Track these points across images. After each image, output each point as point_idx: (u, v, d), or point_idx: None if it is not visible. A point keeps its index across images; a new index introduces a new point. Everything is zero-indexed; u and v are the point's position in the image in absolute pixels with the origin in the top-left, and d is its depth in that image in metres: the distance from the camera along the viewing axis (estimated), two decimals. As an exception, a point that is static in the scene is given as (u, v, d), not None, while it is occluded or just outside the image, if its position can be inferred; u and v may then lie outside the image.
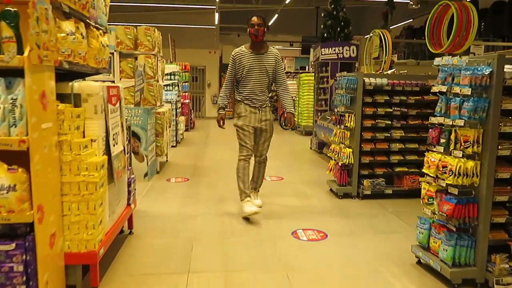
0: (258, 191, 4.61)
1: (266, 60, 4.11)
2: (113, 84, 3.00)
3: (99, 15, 3.12)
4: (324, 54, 8.11)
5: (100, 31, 3.12)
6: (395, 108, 4.82)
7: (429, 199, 2.87)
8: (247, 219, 4.10)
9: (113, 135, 2.87)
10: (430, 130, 2.91)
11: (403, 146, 4.86)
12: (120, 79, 5.92)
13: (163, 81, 6.90)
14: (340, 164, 4.85)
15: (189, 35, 16.54)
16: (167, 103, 8.66)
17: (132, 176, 3.61)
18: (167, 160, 7.16)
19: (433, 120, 2.87)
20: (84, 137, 2.57)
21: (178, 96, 9.73)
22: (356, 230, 3.83)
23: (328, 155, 5.17)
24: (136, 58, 5.91)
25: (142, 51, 5.92)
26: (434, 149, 2.85)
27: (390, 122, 4.82)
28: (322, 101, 8.36)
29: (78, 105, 2.56)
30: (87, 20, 2.81)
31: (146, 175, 5.63)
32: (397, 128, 4.86)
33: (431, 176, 2.83)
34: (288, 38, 20.37)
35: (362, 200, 4.78)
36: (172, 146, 8.79)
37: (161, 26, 15.64)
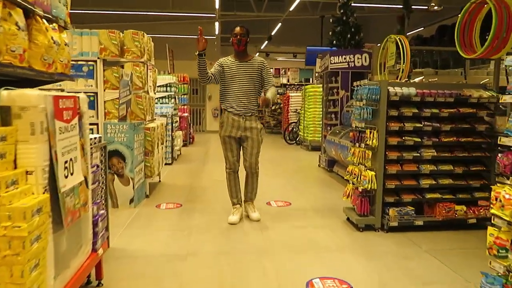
0: (253, 203, 4.48)
1: (250, 67, 4.15)
2: (65, 93, 2.24)
3: (54, 4, 2.38)
4: (334, 63, 7.38)
5: (54, 24, 2.37)
6: (426, 122, 4.04)
7: (500, 250, 2.08)
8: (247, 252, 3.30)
9: (66, 162, 2.10)
10: (500, 155, 2.13)
11: (435, 168, 4.07)
12: (104, 90, 5.18)
13: (155, 93, 6.16)
14: (360, 189, 4.06)
15: (189, 46, 15.89)
16: (162, 117, 7.93)
17: (102, 211, 2.82)
18: (159, 181, 6.39)
19: (504, 141, 2.09)
20: (15, 168, 1.80)
21: (174, 109, 9.00)
22: (387, 279, 3.02)
23: (345, 178, 4.38)
24: (122, 67, 5.18)
25: (129, 58, 5.19)
26: (508, 182, 2.06)
27: (419, 140, 4.04)
28: (331, 114, 7.60)
29: (6, 123, 1.80)
30: (30, 7, 2.06)
31: (132, 200, 4.85)
32: (428, 146, 4.07)
33: (503, 219, 2.04)
34: (292, 49, 19.76)
35: (388, 234, 3.97)
36: (167, 164, 8.03)
37: (159, 36, 15.06)
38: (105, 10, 12.13)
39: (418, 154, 4.05)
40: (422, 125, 4.03)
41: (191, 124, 14.14)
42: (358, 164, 4.18)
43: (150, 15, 14.23)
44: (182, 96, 12.35)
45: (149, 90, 5.53)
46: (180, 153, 9.80)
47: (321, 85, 11.31)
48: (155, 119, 6.22)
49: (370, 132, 3.98)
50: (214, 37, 14.46)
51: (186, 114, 11.78)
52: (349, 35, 7.54)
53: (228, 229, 4.13)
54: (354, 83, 4.62)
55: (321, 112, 10.70)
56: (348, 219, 4.38)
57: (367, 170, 4.02)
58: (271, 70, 4.27)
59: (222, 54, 16.20)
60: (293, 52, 19.66)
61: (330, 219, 4.49)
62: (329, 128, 7.65)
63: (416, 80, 4.47)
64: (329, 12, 15.07)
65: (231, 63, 4.20)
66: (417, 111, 4.02)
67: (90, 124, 5.21)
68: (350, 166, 4.34)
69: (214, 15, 11.30)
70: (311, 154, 10.08)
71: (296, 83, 20.67)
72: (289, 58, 20.50)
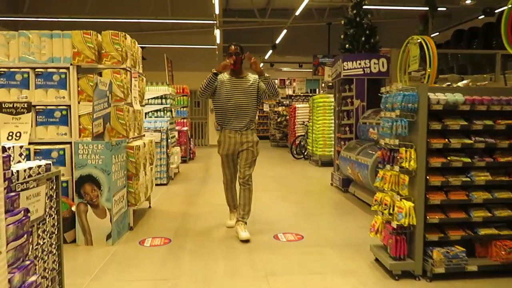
0: (245, 222, 4.22)
1: (245, 83, 4.19)
2: None
3: None
4: (347, 69, 6.53)
5: None
6: (477, 138, 3.16)
7: None
8: None
9: None
10: None
11: (490, 196, 3.17)
12: (79, 103, 4.35)
13: (143, 105, 5.33)
14: (394, 225, 3.16)
15: (189, 56, 15.19)
16: (156, 132, 7.11)
17: (32, 278, 1.95)
18: (149, 206, 5.52)
19: None
20: None
21: (171, 123, 8.17)
22: None
23: (373, 208, 3.49)
24: (100, 74, 4.36)
25: (108, 64, 4.36)
26: None
27: (469, 160, 3.15)
28: (345, 127, 6.72)
29: None
30: None
31: (109, 236, 3.97)
32: (480, 168, 3.18)
33: None
34: (297, 59, 19.01)
35: (432, 283, 3.06)
36: (162, 185, 7.18)
37: (158, 47, 14.37)
38: (102, 18, 11.44)
39: (468, 179, 3.15)
40: (472, 142, 3.14)
41: (192, 139, 13.32)
42: (390, 192, 3.29)
43: (149, 23, 13.53)
44: (182, 109, 11.58)
45: (134, 102, 4.69)
46: (178, 171, 8.95)
47: (331, 95, 10.48)
48: (143, 135, 5.38)
49: (406, 151, 3.10)
50: (215, 47, 13.70)
51: (185, 128, 10.96)
52: (363, 38, 6.71)
53: (224, 277, 3.24)
54: (382, 89, 3.74)
55: (332, 125, 9.85)
56: (377, 260, 3.47)
57: (403, 200, 3.12)
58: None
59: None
60: (298, 62, 18.92)
61: (353, 260, 3.58)
62: (342, 142, 6.77)
63: (460, 84, 3.60)
64: (337, 19, 14.33)
65: (227, 80, 4.22)
66: (465, 123, 3.15)
67: (62, 143, 4.41)
68: (379, 193, 3.45)
69: (214, 22, 10.52)
70: (321, 171, 9.18)
71: (302, 94, 19.88)
72: (295, 68, 19.77)
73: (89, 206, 3.92)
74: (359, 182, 5.72)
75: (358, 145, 6.19)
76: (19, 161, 2.46)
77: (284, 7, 14.10)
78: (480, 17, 11.33)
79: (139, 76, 5.04)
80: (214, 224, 4.71)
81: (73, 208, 3.97)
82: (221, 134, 4.25)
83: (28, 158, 4.14)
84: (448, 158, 3.14)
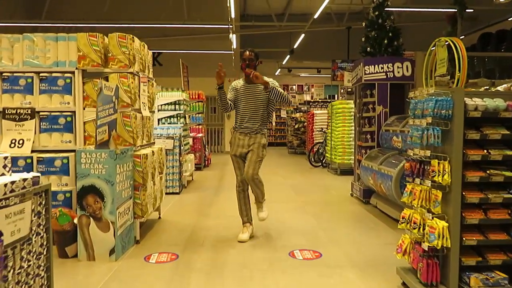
0: (261, 201, 4.44)
1: (258, 89, 4.25)
2: None
3: None
4: (369, 73, 6.17)
5: None
6: (521, 149, 2.78)
7: None
8: None
9: None
10: None
11: (536, 215, 2.78)
12: (84, 109, 4.14)
13: (152, 111, 5.09)
14: (425, 247, 2.80)
15: (206, 62, 15.03)
16: (169, 139, 6.88)
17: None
18: (159, 217, 5.26)
19: None
20: None
21: (184, 130, 7.94)
22: None
23: (400, 226, 3.12)
24: (107, 79, 4.14)
25: (115, 68, 4.14)
26: None
27: (512, 174, 2.78)
28: (367, 134, 6.35)
29: None
30: None
31: (113, 251, 3.71)
32: (524, 183, 2.80)
33: None
34: (315, 65, 18.66)
35: (470, 315, 2.68)
36: (174, 193, 6.93)
37: (173, 52, 14.23)
38: (118, 23, 11.37)
39: (511, 195, 2.77)
40: (515, 153, 2.77)
41: (207, 145, 13.10)
42: (419, 209, 2.93)
43: (165, 28, 13.44)
44: (197, 115, 11.37)
45: (142, 108, 4.45)
46: (192, 179, 8.72)
47: (351, 101, 10.10)
48: (153, 142, 5.13)
49: (439, 164, 2.74)
50: (232, 52, 13.48)
51: (200, 135, 10.74)
52: (385, 41, 6.35)
53: (234, 301, 2.93)
54: (411, 93, 3.39)
55: (352, 132, 9.49)
56: (404, 284, 3.11)
57: (435, 219, 2.76)
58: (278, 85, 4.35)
59: (238, 70, 15.28)
60: (317, 67, 18.57)
61: (377, 283, 3.22)
62: (363, 151, 6.40)
63: (500, 88, 3.23)
64: (357, 23, 13.95)
65: (241, 86, 4.34)
66: (507, 132, 2.77)
67: (66, 151, 4.19)
68: (407, 210, 3.09)
69: (230, 26, 10.30)
70: (341, 180, 8.80)
71: (320, 100, 19.49)
72: (313, 74, 19.41)
73: (91, 218, 3.67)
74: (382, 194, 5.35)
75: (380, 154, 5.81)
76: (3, 174, 2.22)
77: (302, 12, 13.84)
78: (510, 19, 10.80)
79: (148, 81, 4.81)
80: (225, 238, 4.41)
81: (75, 221, 3.73)
82: (232, 136, 4.41)
83: (30, 167, 3.95)
84: (488, 171, 2.77)
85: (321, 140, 11.70)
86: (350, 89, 20.87)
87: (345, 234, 4.69)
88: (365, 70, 6.19)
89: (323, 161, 11.11)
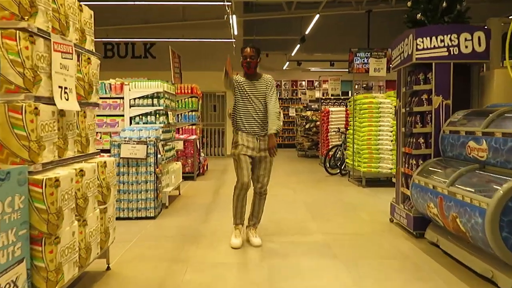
0: (256, 227, 4.18)
1: (260, 86, 4.09)
2: None
3: None
4: (423, 49, 4.24)
5: None
6: None
7: None
8: None
9: None
10: None
11: None
12: None
13: (92, 103, 3.20)
14: None
15: (204, 54, 13.17)
16: (140, 144, 5.03)
17: None
18: (108, 268, 3.40)
19: None
20: None
21: (166, 132, 6.07)
22: None
23: None
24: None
25: (-7, 20, 2.26)
26: None
27: None
28: (419, 137, 4.40)
29: None
30: None
31: None
32: None
33: None
34: (328, 57, 16.69)
35: None
36: (148, 218, 5.09)
37: (167, 41, 12.36)
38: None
39: None
40: None
41: (203, 149, 11.25)
42: None
43: (157, 12, 11.62)
44: (190, 113, 9.51)
45: (58, 97, 2.56)
46: (179, 193, 6.85)
47: (379, 94, 8.20)
48: (96, 152, 3.25)
49: None
50: (233, 40, 11.59)
51: (194, 137, 8.87)
52: (444, 3, 4.43)
53: None
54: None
55: (381, 133, 7.57)
56: None
57: None
58: (275, 88, 4.10)
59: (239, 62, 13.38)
60: (330, 60, 16.59)
61: None
62: (413, 161, 4.46)
63: None
64: (378, 6, 11.99)
65: (243, 82, 4.09)
66: None
67: None
68: None
69: (228, 3, 8.39)
70: (368, 194, 6.89)
71: (333, 97, 17.52)
72: (325, 67, 17.43)
73: None
74: (455, 232, 3.41)
75: (445, 167, 3.90)
76: None
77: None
78: None
79: (81, 54, 2.93)
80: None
81: None
82: (239, 137, 4.07)
83: None
84: None
85: (339, 142, 9.78)
86: (364, 85, 18.93)
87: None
88: (417, 45, 4.25)
89: (342, 167, 9.18)
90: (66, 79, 2.68)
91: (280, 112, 4.10)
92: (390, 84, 18.49)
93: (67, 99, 2.69)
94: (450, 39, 4.19)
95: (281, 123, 4.10)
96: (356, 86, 19.28)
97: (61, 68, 2.61)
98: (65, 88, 2.67)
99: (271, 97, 4.06)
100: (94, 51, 3.23)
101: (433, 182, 3.73)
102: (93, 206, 2.91)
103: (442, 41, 4.20)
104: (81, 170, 2.72)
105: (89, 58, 3.05)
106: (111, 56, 14.40)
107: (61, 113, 2.64)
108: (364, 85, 18.25)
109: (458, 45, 4.18)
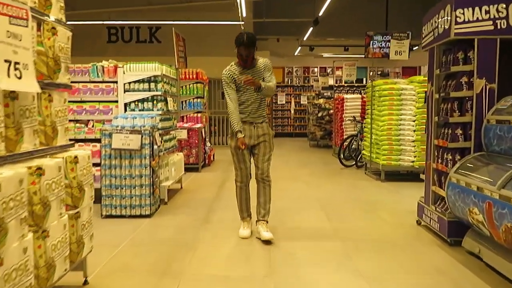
0: (267, 221, 3.90)
1: (256, 72, 3.90)
2: None
3: None
4: (463, 22, 3.55)
5: None
6: None
7: None
8: None
9: None
10: None
11: None
12: None
13: (60, 84, 2.60)
14: None
15: (212, 38, 12.52)
16: (133, 134, 4.47)
17: None
18: (85, 281, 2.84)
19: None
20: None
21: (165, 120, 5.48)
22: None
23: None
24: None
25: None
26: None
27: None
28: (456, 128, 3.73)
29: None
30: None
31: None
32: None
33: None
34: (342, 42, 15.88)
35: None
36: (143, 217, 4.54)
37: (172, 24, 11.71)
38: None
39: None
40: None
41: (210, 138, 10.67)
42: None
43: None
44: (195, 100, 8.92)
45: (1, 73, 1.97)
46: (181, 187, 6.29)
47: (400, 80, 7.51)
48: (73, 144, 2.67)
49: None
50: (242, 23, 10.90)
51: (199, 126, 8.29)
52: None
53: None
54: None
55: (402, 122, 6.88)
56: None
57: None
58: (272, 71, 3.94)
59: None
60: (344, 45, 15.78)
61: None
62: (448, 155, 3.80)
63: None
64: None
65: (238, 71, 3.90)
66: None
67: None
68: None
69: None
70: (388, 190, 6.26)
71: (346, 84, 16.76)
72: (338, 53, 16.62)
73: None
74: (508, 246, 2.77)
75: (489, 164, 3.24)
76: None
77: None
78: None
79: (43, 21, 2.33)
80: None
81: None
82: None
83: None
84: None
85: (354, 132, 9.11)
86: (380, 72, 18.06)
87: None
88: (456, 17, 3.56)
89: (358, 159, 8.53)
90: (17, 52, 2.08)
91: (274, 90, 3.97)
92: (406, 71, 17.61)
93: (19, 77, 2.09)
94: (497, 10, 3.48)
95: (271, 92, 3.94)
96: (371, 73, 18.49)
97: (8, 37, 2.01)
98: (16, 63, 2.07)
99: (269, 79, 3.92)
100: (64, 20, 2.63)
101: (478, 182, 3.08)
102: (58, 212, 2.33)
103: (487, 12, 3.50)
104: (39, 168, 2.13)
105: (53, 28, 2.45)
106: (115, 41, 13.84)
107: (12, 95, 2.06)
108: (380, 71, 17.41)
109: (507, 18, 3.47)
